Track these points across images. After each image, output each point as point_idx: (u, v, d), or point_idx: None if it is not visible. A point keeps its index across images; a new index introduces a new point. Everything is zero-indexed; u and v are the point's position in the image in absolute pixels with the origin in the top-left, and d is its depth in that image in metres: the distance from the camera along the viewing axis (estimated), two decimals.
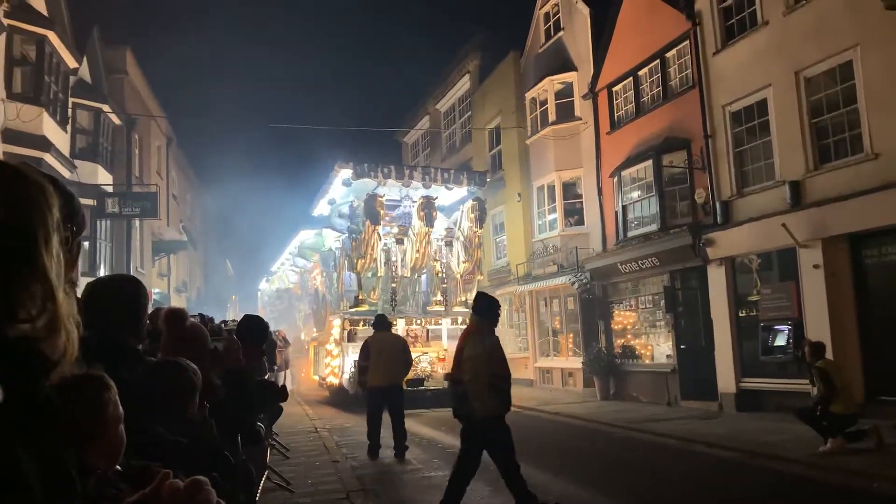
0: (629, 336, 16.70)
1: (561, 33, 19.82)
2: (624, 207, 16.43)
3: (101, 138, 19.08)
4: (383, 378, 9.50)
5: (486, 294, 6.90)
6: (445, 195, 17.38)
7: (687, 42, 14.73)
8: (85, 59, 18.39)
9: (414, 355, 15.22)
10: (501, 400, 6.08)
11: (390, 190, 16.97)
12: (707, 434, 10.52)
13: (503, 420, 6.15)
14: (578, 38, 19.05)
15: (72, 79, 17.63)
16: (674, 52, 15.28)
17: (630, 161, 16.12)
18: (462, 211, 17.74)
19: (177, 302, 27.36)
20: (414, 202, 17.18)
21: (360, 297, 16.86)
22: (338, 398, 16.82)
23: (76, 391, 1.51)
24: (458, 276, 17.97)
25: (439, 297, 17.68)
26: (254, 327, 5.84)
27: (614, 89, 17.41)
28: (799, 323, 11.76)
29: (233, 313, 40.53)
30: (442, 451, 10.15)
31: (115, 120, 19.91)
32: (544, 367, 20.04)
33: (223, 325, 8.55)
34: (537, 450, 10.06)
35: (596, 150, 17.96)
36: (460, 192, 17.44)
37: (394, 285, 17.50)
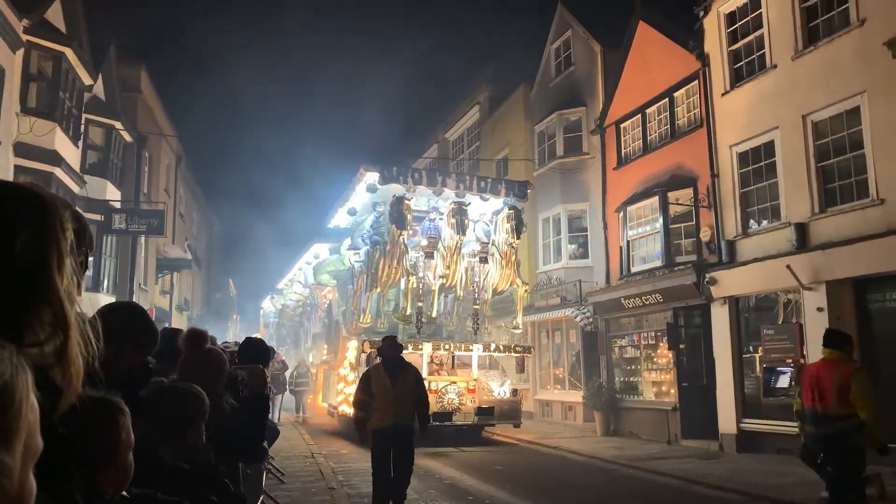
0: (631, 372, 16.60)
1: (572, 68, 20.06)
2: (629, 242, 16.46)
3: (112, 155, 19.26)
4: (389, 417, 7.16)
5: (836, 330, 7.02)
6: (479, 206, 15.67)
7: (696, 82, 14.90)
8: (100, 76, 18.65)
9: (440, 385, 13.84)
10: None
11: (417, 199, 15.28)
12: (707, 475, 10.40)
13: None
14: (589, 73, 19.28)
15: (86, 95, 17.87)
16: (682, 91, 15.44)
17: (636, 197, 16.18)
18: (495, 221, 15.91)
19: (178, 320, 27.32)
20: (442, 214, 15.54)
21: (368, 319, 15.29)
22: (349, 430, 15.20)
23: (92, 415, 1.52)
24: (491, 293, 16.16)
25: (469, 322, 16.04)
26: (256, 351, 5.82)
27: (622, 125, 17.56)
28: (802, 365, 11.66)
29: (233, 333, 40.46)
30: (453, 487, 10.03)
31: (127, 137, 20.12)
32: (544, 400, 19.89)
33: (224, 346, 8.53)
34: (536, 484, 9.95)
35: (602, 184, 18.05)
36: (496, 203, 15.73)
37: (420, 304, 15.49)
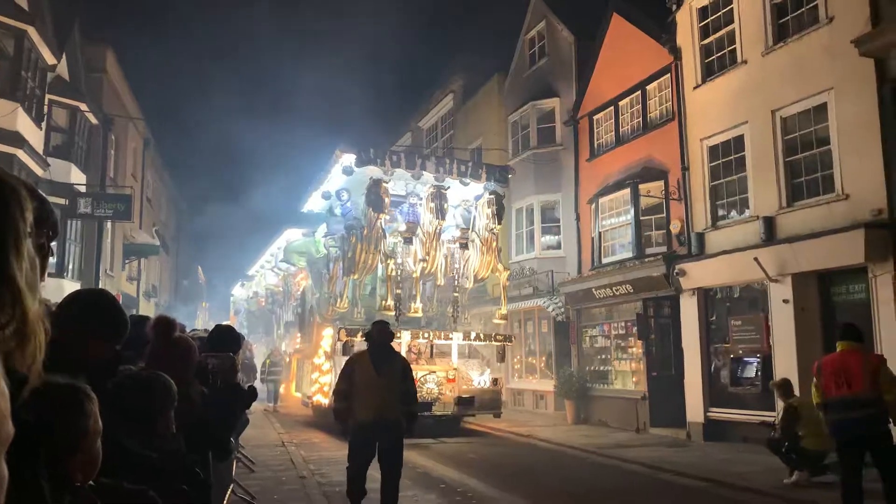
0: (601, 361, 16.79)
1: (545, 59, 20.09)
2: (600, 234, 16.62)
3: (77, 137, 18.77)
4: (371, 410, 6.45)
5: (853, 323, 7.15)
6: (459, 191, 15.26)
7: (668, 75, 15.03)
8: (64, 56, 18.13)
9: (419, 374, 12.80)
10: None
11: (395, 184, 14.85)
12: (675, 462, 10.58)
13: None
14: (562, 65, 19.33)
15: (50, 75, 17.37)
16: (655, 84, 15.56)
17: (608, 189, 16.32)
18: (476, 207, 15.56)
19: (145, 307, 26.88)
20: (421, 199, 15.13)
21: (343, 304, 14.79)
22: (324, 420, 14.49)
23: (58, 401, 1.47)
24: (472, 280, 15.76)
25: (450, 309, 15.70)
26: (226, 338, 5.73)
27: (595, 117, 17.66)
28: (768, 356, 11.94)
29: (202, 321, 39.93)
30: (426, 476, 10.04)
31: (92, 119, 19.62)
32: (516, 389, 20.04)
33: (193, 333, 8.40)
34: (507, 472, 10.03)
35: (575, 175, 18.17)
36: (476, 188, 15.36)
37: (398, 291, 15.16)
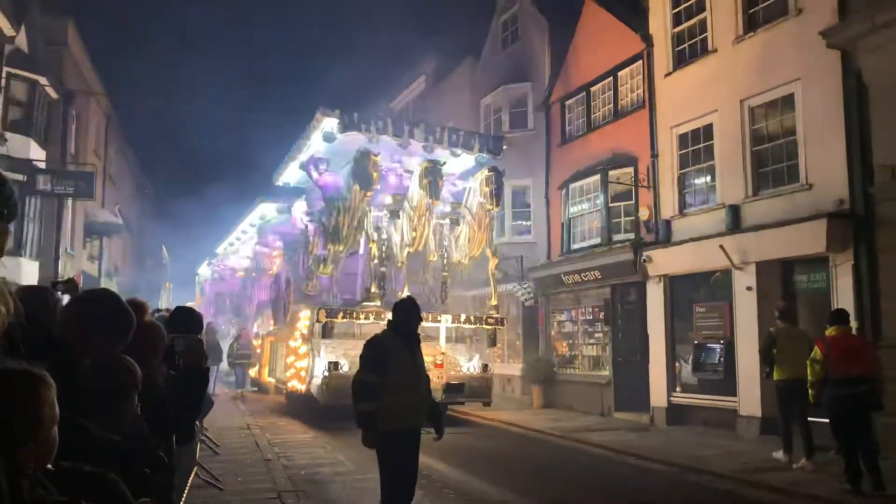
0: (568, 346, 16.96)
1: (519, 43, 20.02)
2: (570, 220, 16.74)
3: (36, 112, 18.16)
4: (414, 409, 5.08)
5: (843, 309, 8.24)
6: (450, 163, 14.05)
7: (640, 62, 15.09)
8: (23, 28, 17.48)
9: None
10: None
11: (381, 153, 13.46)
12: (638, 446, 10.76)
13: None
14: (535, 49, 19.28)
15: (8, 47, 16.73)
16: (627, 71, 15.62)
17: (578, 175, 16.41)
18: (471, 184, 14.38)
19: (106, 286, 26.27)
20: (409, 171, 13.96)
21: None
22: (299, 407, 14.03)
23: (11, 388, 1.40)
24: (464, 262, 14.85)
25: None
26: (187, 320, 5.60)
27: (567, 103, 17.69)
28: (730, 342, 12.17)
29: (165, 301, 39.24)
30: None
31: (52, 93, 18.99)
32: None
33: (157, 313, 8.23)
34: (474, 458, 10.09)
35: (546, 161, 18.21)
36: (468, 160, 14.28)
37: (383, 269, 13.99)
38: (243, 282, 24.52)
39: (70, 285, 4.60)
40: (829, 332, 7.73)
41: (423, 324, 13.28)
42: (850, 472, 7.24)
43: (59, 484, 1.69)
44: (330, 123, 12.85)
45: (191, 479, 6.24)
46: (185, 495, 5.42)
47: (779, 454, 9.11)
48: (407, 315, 5.24)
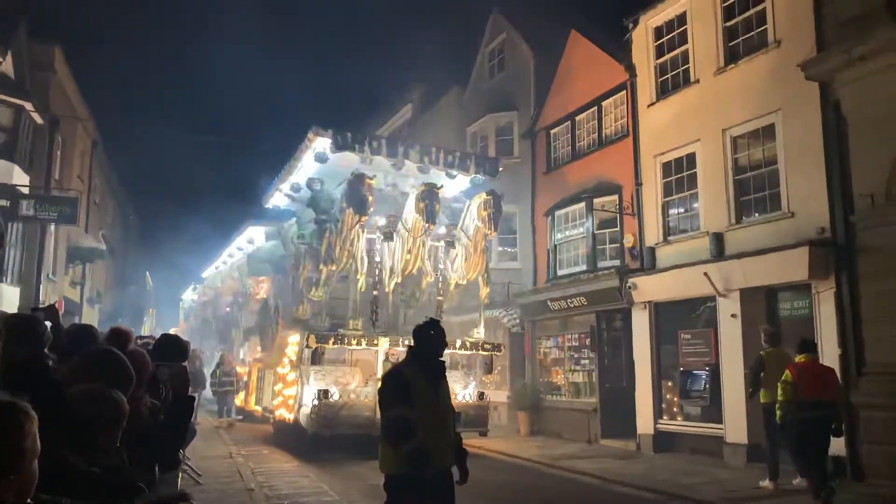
0: (555, 373, 16.92)
1: (505, 72, 20.29)
2: (556, 246, 16.82)
3: (21, 137, 18.06)
4: (438, 451, 4.50)
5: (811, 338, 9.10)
6: (445, 185, 13.58)
7: (624, 92, 15.33)
8: (9, 53, 17.47)
9: None
10: None
11: (372, 173, 13.00)
12: (624, 474, 10.71)
13: None
14: (521, 78, 19.55)
15: None
16: (611, 100, 15.86)
17: (564, 202, 16.54)
18: (469, 206, 13.82)
19: (89, 313, 25.99)
20: (404, 193, 13.58)
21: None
22: (285, 437, 13.59)
23: None
24: (455, 284, 14.37)
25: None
26: (172, 348, 5.55)
27: (552, 131, 17.89)
28: (716, 369, 12.20)
29: (149, 327, 38.79)
30: (376, 489, 9.91)
31: (38, 119, 18.91)
32: None
33: (140, 340, 8.14)
34: (460, 489, 9.96)
35: (532, 188, 18.35)
36: (463, 181, 13.98)
37: (375, 293, 13.36)
38: (230, 306, 24.19)
39: (49, 312, 4.54)
40: (799, 359, 8.33)
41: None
42: (823, 489, 7.66)
43: None
44: (322, 143, 12.48)
45: None
46: None
47: (765, 482, 9.11)
48: (426, 341, 4.68)
